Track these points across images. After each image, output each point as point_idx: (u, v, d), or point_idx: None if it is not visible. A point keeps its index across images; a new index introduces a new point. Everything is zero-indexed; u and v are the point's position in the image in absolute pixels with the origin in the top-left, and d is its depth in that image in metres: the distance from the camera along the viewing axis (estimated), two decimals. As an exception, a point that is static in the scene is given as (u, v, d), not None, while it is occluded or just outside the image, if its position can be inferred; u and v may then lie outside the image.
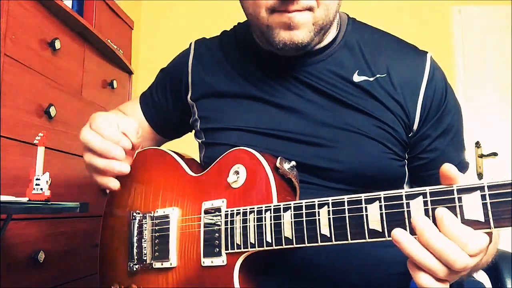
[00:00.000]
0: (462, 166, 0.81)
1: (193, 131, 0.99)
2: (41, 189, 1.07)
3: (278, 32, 0.72)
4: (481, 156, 2.72)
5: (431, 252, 0.50)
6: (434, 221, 0.51)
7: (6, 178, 1.20)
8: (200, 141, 0.88)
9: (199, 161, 0.91)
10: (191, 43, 0.93)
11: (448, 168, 0.52)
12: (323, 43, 0.80)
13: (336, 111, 0.77)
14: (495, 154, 2.70)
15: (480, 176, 2.70)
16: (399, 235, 0.52)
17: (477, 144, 2.72)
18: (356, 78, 0.78)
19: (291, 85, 0.80)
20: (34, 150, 1.10)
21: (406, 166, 0.81)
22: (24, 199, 1.05)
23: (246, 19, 0.88)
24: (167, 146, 0.93)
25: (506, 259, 0.95)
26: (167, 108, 0.95)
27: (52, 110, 1.43)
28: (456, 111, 0.81)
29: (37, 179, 1.07)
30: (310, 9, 0.70)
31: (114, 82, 2.00)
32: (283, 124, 0.78)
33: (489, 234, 0.51)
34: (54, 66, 1.50)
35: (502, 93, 2.76)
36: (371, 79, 0.77)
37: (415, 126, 0.77)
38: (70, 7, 1.62)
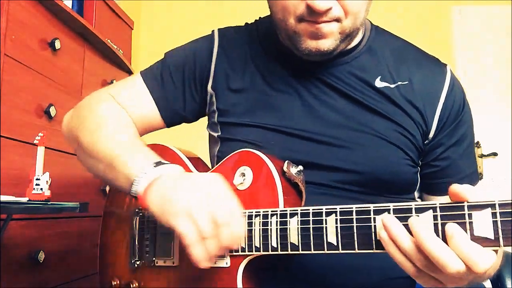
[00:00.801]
0: (473, 178, 0.82)
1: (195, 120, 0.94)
2: (41, 189, 1.07)
3: (305, 40, 0.73)
4: (481, 156, 2.72)
5: (428, 255, 0.50)
6: (443, 236, 0.51)
7: (6, 178, 1.20)
8: (216, 134, 0.86)
9: (209, 155, 0.90)
10: (213, 31, 0.90)
11: (456, 189, 0.51)
12: (348, 46, 0.80)
13: (357, 114, 0.78)
14: (495, 154, 2.71)
15: (480, 176, 2.70)
16: (388, 219, 0.53)
17: (477, 144, 2.72)
18: (378, 83, 0.79)
19: (313, 86, 0.80)
20: (34, 150, 1.10)
21: (418, 173, 0.82)
22: (24, 199, 1.05)
23: (262, 16, 0.89)
24: (173, 142, 0.91)
25: (506, 259, 0.95)
26: (182, 92, 0.88)
27: (52, 110, 1.43)
28: (470, 124, 0.83)
29: (37, 179, 1.07)
30: (338, 20, 0.71)
31: (114, 82, 1.99)
32: (303, 124, 0.78)
33: (495, 250, 0.51)
34: (54, 66, 1.51)
35: (502, 93, 2.76)
36: (392, 86, 0.79)
37: (431, 134, 0.79)
38: (70, 7, 1.62)
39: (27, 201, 1.05)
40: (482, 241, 0.50)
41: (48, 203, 1.04)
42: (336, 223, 0.58)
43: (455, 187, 0.51)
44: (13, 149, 1.25)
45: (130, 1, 2.62)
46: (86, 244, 1.59)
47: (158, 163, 0.67)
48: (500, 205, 0.49)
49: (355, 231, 0.57)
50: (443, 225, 0.51)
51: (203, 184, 0.62)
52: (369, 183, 0.76)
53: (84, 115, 0.83)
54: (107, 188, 1.74)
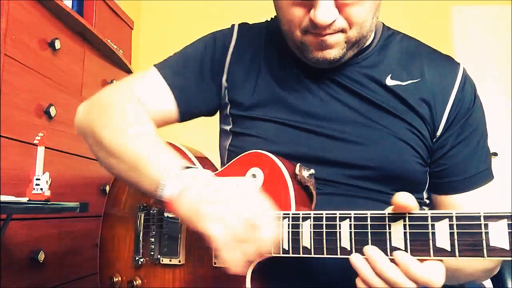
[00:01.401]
0: (479, 180, 0.80)
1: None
2: (41, 189, 1.07)
3: (312, 50, 0.75)
4: (481, 156, 2.72)
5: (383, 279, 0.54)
6: (459, 245, 0.52)
7: (6, 178, 1.20)
8: (228, 128, 0.87)
9: (219, 149, 0.90)
10: (234, 25, 0.91)
11: (398, 199, 0.54)
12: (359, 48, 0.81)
13: (368, 111, 0.78)
14: (495, 154, 2.70)
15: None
16: (370, 252, 0.55)
17: (477, 144, 2.72)
18: (389, 81, 0.79)
19: (324, 85, 0.81)
20: (34, 150, 1.10)
21: (427, 173, 0.82)
22: (24, 199, 1.05)
23: (261, 16, 0.90)
24: (178, 141, 0.91)
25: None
26: (200, 84, 0.87)
27: (52, 110, 1.43)
28: (480, 124, 0.81)
29: (37, 179, 1.07)
30: (342, 30, 0.72)
31: (114, 82, 1.99)
32: (315, 119, 0.79)
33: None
34: (54, 66, 1.50)
35: (502, 93, 2.76)
36: (404, 83, 0.79)
37: (439, 132, 0.79)
38: (70, 7, 1.62)
39: (27, 201, 1.05)
40: (498, 252, 0.50)
41: (48, 203, 1.04)
42: (350, 228, 0.58)
43: (400, 198, 0.54)
44: (13, 149, 1.25)
45: (130, 1, 2.63)
46: (86, 244, 1.59)
47: (186, 167, 0.65)
48: None
49: (369, 237, 0.57)
50: (458, 234, 0.52)
51: (234, 187, 0.61)
52: (381, 179, 0.76)
53: (106, 110, 0.79)
54: (107, 188, 1.74)
